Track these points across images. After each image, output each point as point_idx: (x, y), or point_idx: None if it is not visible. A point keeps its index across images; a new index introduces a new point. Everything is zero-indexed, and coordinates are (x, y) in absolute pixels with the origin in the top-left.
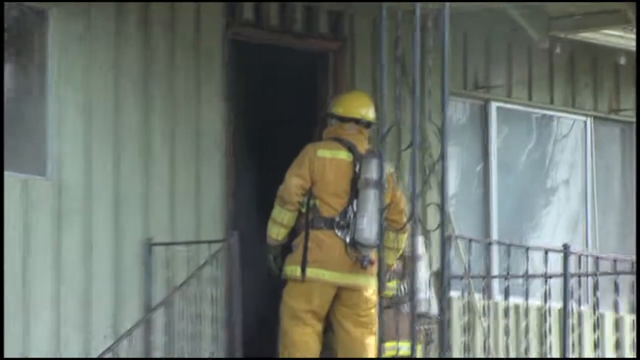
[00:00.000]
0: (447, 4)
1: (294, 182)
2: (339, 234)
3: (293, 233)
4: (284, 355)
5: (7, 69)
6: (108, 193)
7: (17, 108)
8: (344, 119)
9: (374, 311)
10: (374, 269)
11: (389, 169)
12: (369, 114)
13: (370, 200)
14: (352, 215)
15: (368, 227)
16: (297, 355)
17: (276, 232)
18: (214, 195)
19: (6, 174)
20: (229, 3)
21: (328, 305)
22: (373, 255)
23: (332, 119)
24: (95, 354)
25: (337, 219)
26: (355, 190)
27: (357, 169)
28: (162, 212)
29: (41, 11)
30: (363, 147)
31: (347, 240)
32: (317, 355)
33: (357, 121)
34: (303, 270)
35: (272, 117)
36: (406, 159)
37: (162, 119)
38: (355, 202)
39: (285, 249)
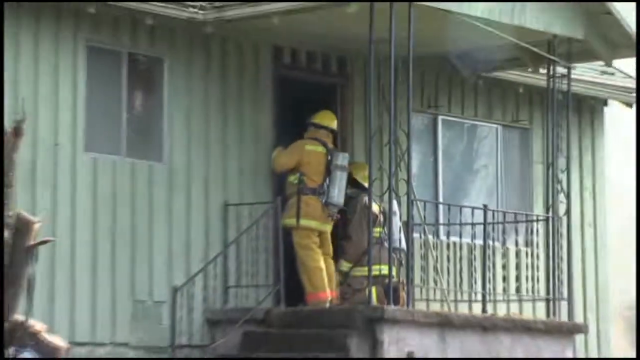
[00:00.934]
0: (411, 52)
1: (283, 162)
2: (319, 198)
3: (287, 198)
4: (307, 280)
5: (139, 96)
6: (200, 173)
7: (144, 120)
8: (320, 127)
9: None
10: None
11: (348, 159)
12: (334, 125)
13: (338, 177)
14: (326, 187)
15: (337, 194)
16: (317, 277)
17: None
18: (265, 174)
19: (138, 161)
20: (276, 51)
21: (318, 240)
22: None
23: (311, 126)
24: (193, 272)
25: (318, 188)
26: (328, 171)
27: (329, 158)
28: (234, 184)
29: (160, 59)
30: (330, 144)
31: (323, 201)
32: (327, 273)
33: (326, 128)
34: (298, 221)
35: (301, 126)
36: (386, 151)
37: (235, 126)
38: (328, 178)
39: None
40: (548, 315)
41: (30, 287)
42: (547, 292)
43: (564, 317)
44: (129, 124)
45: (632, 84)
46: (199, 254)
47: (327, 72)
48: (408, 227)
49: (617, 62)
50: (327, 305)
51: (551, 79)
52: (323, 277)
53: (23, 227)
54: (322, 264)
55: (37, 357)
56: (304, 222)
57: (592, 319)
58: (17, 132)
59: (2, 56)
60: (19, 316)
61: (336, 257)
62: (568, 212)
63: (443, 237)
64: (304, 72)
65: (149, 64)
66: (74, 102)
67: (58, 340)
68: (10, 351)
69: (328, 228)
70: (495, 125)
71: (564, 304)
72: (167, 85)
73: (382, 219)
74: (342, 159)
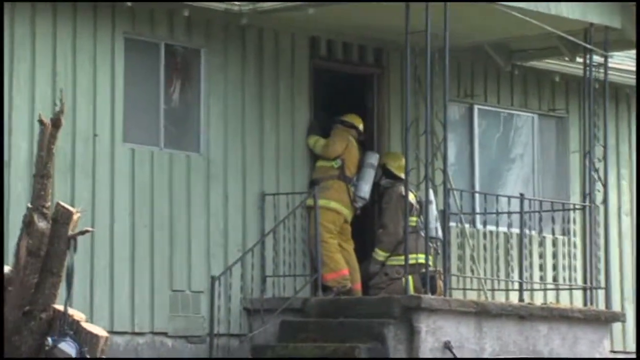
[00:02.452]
0: (447, 42)
1: (337, 148)
2: (352, 188)
3: (320, 180)
4: (326, 258)
5: (176, 87)
6: (238, 163)
7: (182, 111)
8: (350, 126)
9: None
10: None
11: (378, 159)
12: (361, 126)
13: (367, 174)
14: (355, 180)
15: (367, 190)
16: (337, 258)
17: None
18: (302, 164)
19: (175, 151)
20: (312, 42)
21: (340, 229)
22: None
23: (339, 124)
24: (231, 262)
25: (352, 178)
26: (360, 166)
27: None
28: (271, 174)
29: (197, 50)
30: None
31: (354, 193)
32: (350, 266)
33: (356, 128)
34: (353, 204)
35: (337, 115)
36: (422, 141)
37: (271, 116)
38: (358, 173)
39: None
40: (585, 303)
41: (70, 277)
42: (584, 281)
43: (601, 306)
44: (167, 115)
45: None
46: (236, 242)
47: (364, 62)
48: (444, 216)
49: None
50: (348, 282)
51: (588, 68)
52: (342, 258)
53: (62, 217)
54: (339, 248)
55: (75, 345)
56: (338, 207)
57: (630, 307)
58: (55, 123)
59: (2, 54)
60: (58, 306)
61: (371, 247)
62: (605, 200)
63: (480, 226)
64: (341, 63)
65: (186, 55)
66: (112, 93)
67: (97, 330)
68: (48, 340)
69: (350, 218)
70: (531, 114)
71: (601, 293)
72: (204, 76)
73: (418, 208)
74: (374, 158)
